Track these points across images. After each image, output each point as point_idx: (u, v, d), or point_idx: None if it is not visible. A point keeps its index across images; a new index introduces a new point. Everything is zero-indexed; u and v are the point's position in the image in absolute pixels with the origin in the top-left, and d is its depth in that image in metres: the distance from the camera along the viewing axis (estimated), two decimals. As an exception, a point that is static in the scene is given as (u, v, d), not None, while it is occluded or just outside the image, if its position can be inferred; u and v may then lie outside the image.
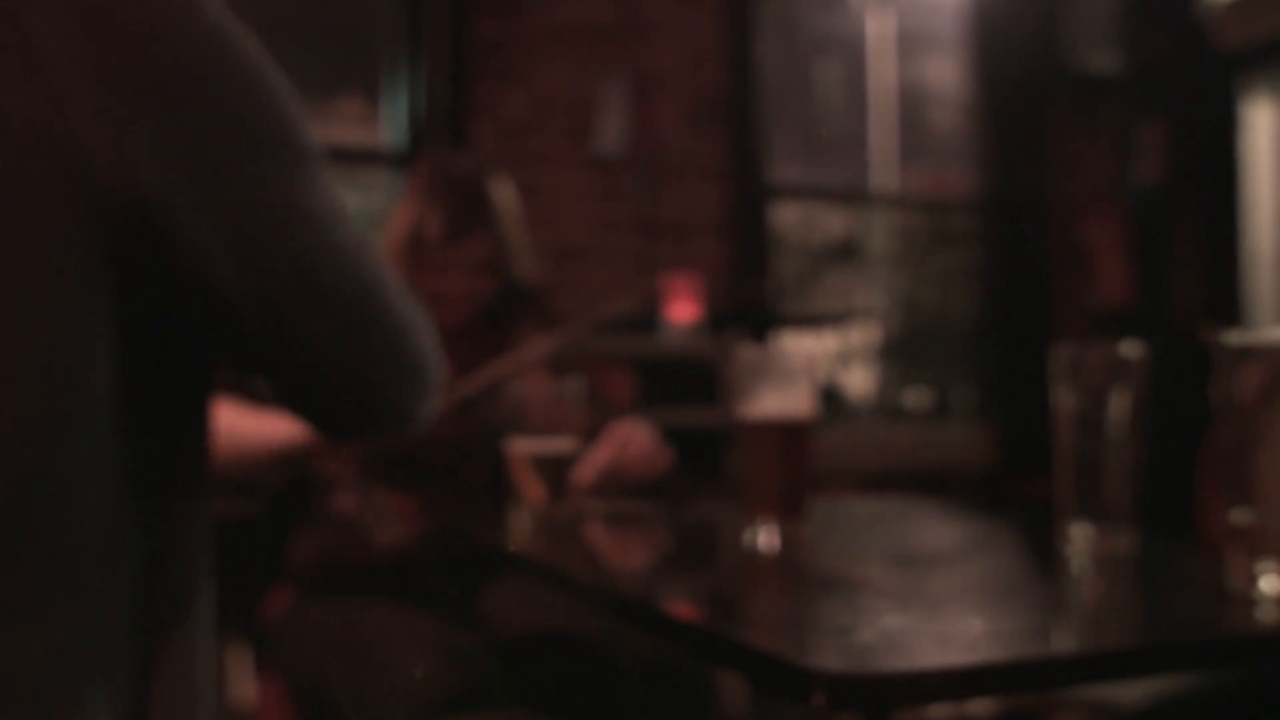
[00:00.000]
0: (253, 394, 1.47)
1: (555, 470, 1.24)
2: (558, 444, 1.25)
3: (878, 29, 4.04)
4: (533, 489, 1.24)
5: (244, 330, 0.69)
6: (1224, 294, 3.66)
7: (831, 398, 3.81)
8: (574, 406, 1.28)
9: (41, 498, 0.61)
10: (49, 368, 0.61)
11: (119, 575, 0.65)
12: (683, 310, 2.51)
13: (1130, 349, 0.95)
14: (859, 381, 3.96)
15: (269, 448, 1.43)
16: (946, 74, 4.12)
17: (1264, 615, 0.76)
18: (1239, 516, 0.80)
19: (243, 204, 0.66)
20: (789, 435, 1.03)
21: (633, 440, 1.44)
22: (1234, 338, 0.81)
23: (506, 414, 1.33)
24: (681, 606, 0.90)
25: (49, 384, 0.61)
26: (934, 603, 0.81)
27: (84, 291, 0.62)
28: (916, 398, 4.05)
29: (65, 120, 0.61)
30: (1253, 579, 0.79)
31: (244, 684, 2.02)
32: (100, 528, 0.64)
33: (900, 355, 4.03)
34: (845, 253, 4.00)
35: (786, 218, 3.86)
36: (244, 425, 1.43)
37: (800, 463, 1.04)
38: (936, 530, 1.21)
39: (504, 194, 1.64)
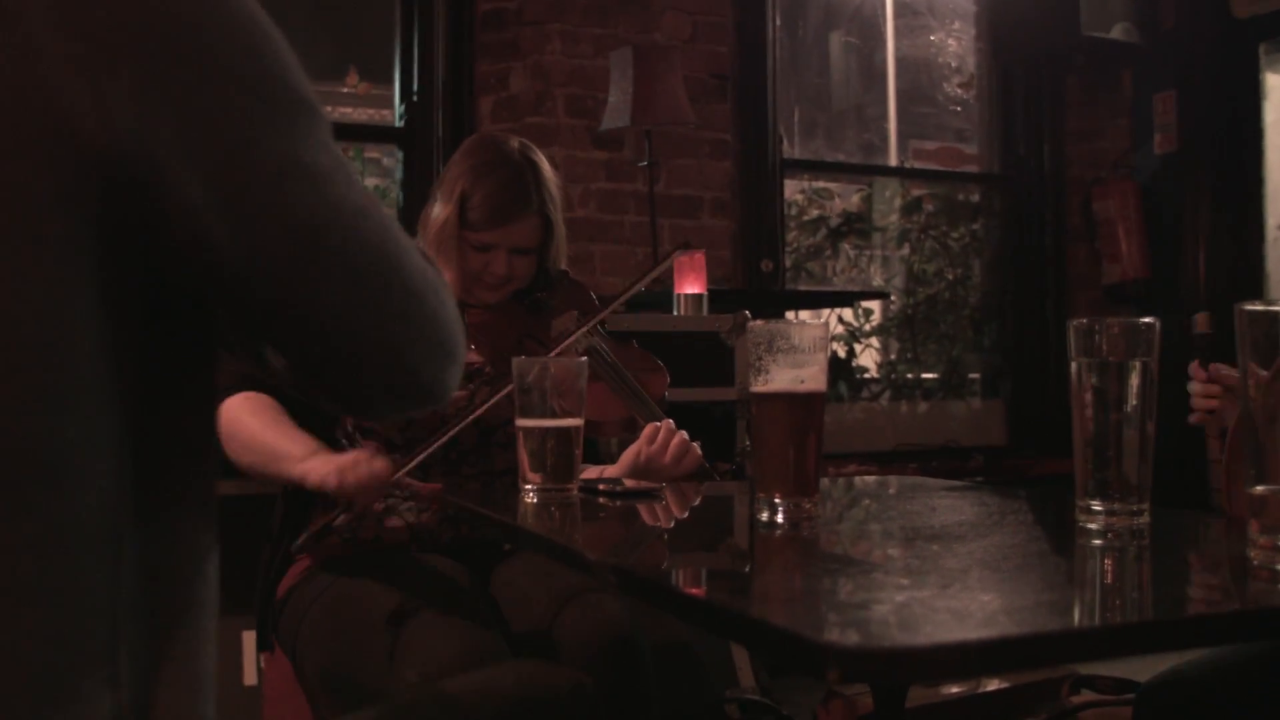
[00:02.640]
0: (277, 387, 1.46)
1: (559, 445, 1.23)
2: (562, 420, 1.24)
3: (891, 1, 3.99)
4: (534, 464, 1.24)
5: (245, 296, 0.65)
6: (1242, 267, 3.62)
7: (841, 374, 3.80)
8: (580, 383, 1.27)
9: (34, 479, 0.58)
10: (34, 341, 0.57)
11: (119, 560, 0.62)
12: (688, 286, 2.50)
13: (1148, 322, 0.94)
14: (869, 358, 3.95)
15: (279, 472, 1.42)
16: (960, 46, 4.07)
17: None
18: (1259, 490, 0.79)
19: (235, 156, 0.61)
20: (800, 409, 1.02)
21: (661, 440, 1.45)
22: (1256, 309, 0.79)
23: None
24: (695, 583, 0.89)
25: (35, 358, 0.57)
26: (948, 579, 0.80)
27: (67, 258, 0.58)
28: (927, 375, 4.03)
29: (40, 72, 0.57)
30: (1273, 552, 0.78)
31: (254, 661, 2.03)
32: (98, 511, 0.60)
33: (910, 332, 4.01)
34: (856, 228, 3.97)
35: (796, 193, 3.83)
36: (264, 440, 1.41)
37: (812, 437, 1.03)
38: (949, 506, 1.20)
39: (553, 178, 1.63)
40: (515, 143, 1.63)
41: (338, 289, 0.65)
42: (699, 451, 1.49)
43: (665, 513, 1.24)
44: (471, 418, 1.46)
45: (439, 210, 1.59)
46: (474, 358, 1.61)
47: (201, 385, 0.70)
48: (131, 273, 0.61)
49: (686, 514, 1.28)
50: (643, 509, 1.23)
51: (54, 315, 0.58)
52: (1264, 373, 0.78)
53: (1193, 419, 1.34)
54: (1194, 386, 1.32)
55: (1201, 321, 1.36)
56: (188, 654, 0.67)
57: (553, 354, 1.47)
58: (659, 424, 1.47)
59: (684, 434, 1.48)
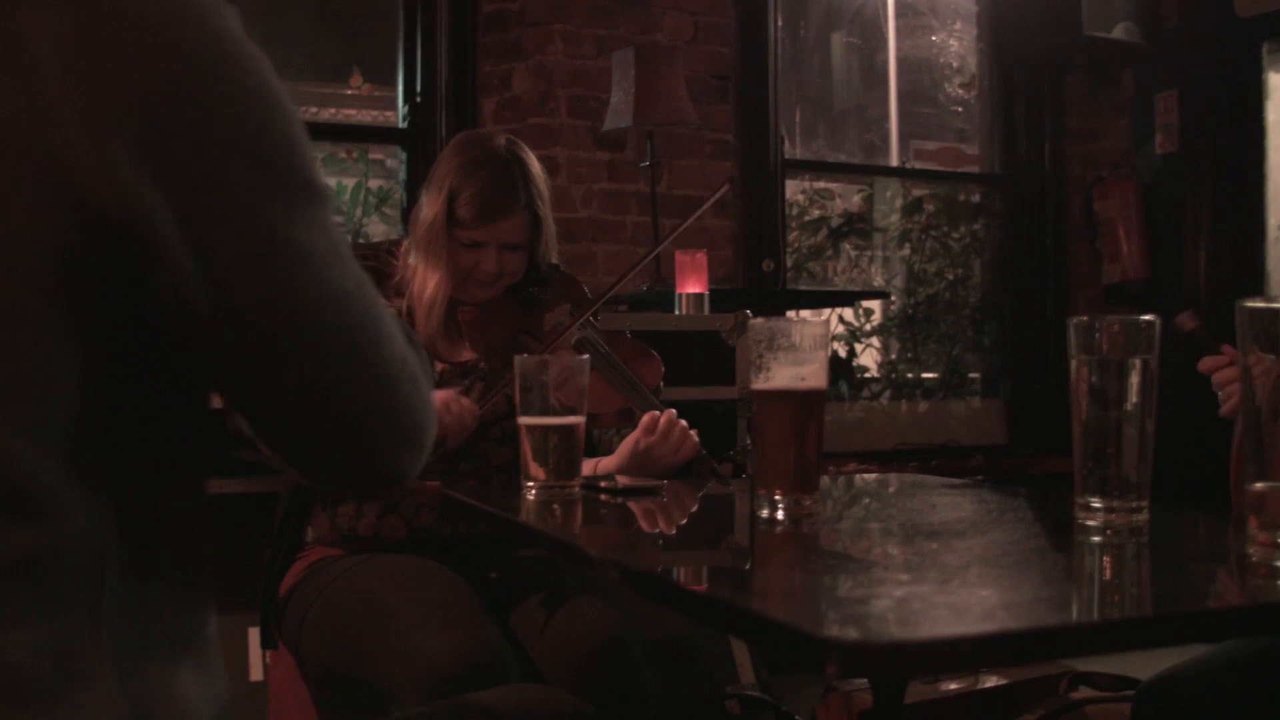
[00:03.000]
0: None
1: (561, 442, 1.24)
2: (565, 417, 1.24)
3: (892, 2, 3.99)
4: (536, 461, 1.24)
5: (218, 361, 0.66)
6: (1242, 267, 3.62)
7: (842, 374, 3.80)
8: (582, 380, 1.27)
9: (14, 509, 0.59)
10: (13, 378, 0.59)
11: (102, 587, 0.62)
12: (690, 286, 2.50)
13: (1148, 320, 0.94)
14: (869, 358, 3.95)
15: None
16: (961, 47, 4.08)
17: (1282, 585, 0.76)
18: (1259, 486, 0.80)
19: (227, 229, 0.62)
20: (801, 406, 1.03)
21: (660, 428, 1.46)
22: (1257, 305, 0.80)
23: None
24: (696, 578, 0.89)
25: (15, 395, 0.59)
26: (947, 574, 0.80)
27: (54, 301, 0.59)
28: (927, 374, 4.03)
29: (49, 122, 0.58)
30: (1272, 548, 0.79)
31: (259, 658, 2.04)
32: (81, 540, 0.61)
33: (911, 331, 4.01)
34: (857, 228, 3.97)
35: (797, 193, 3.84)
36: None
37: (812, 434, 1.04)
38: (948, 504, 1.20)
39: (540, 173, 1.63)
40: (502, 139, 1.63)
41: (307, 371, 0.66)
42: (696, 438, 1.50)
43: (666, 510, 1.25)
44: None
45: (427, 209, 1.59)
46: (468, 354, 1.62)
47: (192, 425, 0.70)
48: (116, 318, 0.62)
49: (687, 512, 1.28)
50: (644, 506, 1.24)
51: (35, 354, 0.59)
52: (1270, 356, 0.78)
53: (1226, 409, 1.28)
54: (1220, 375, 1.28)
55: (1189, 319, 1.31)
56: (181, 675, 0.67)
57: (547, 347, 1.48)
58: (657, 413, 1.47)
59: (683, 423, 1.49)
